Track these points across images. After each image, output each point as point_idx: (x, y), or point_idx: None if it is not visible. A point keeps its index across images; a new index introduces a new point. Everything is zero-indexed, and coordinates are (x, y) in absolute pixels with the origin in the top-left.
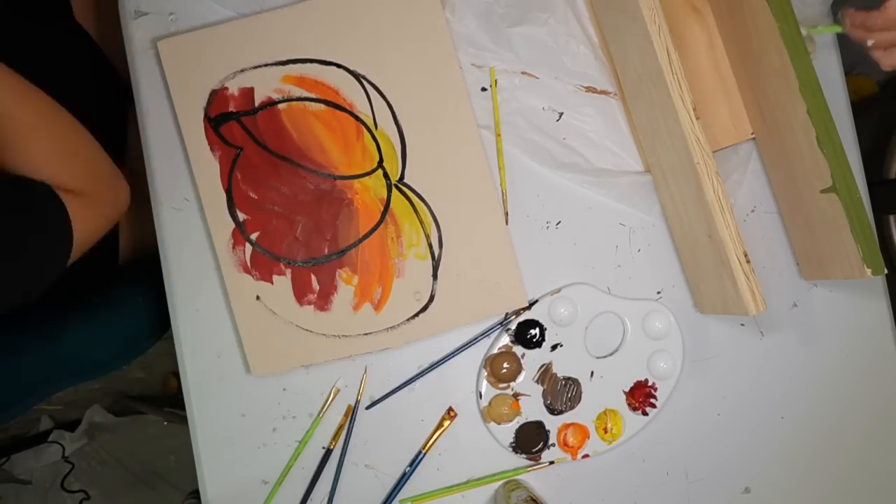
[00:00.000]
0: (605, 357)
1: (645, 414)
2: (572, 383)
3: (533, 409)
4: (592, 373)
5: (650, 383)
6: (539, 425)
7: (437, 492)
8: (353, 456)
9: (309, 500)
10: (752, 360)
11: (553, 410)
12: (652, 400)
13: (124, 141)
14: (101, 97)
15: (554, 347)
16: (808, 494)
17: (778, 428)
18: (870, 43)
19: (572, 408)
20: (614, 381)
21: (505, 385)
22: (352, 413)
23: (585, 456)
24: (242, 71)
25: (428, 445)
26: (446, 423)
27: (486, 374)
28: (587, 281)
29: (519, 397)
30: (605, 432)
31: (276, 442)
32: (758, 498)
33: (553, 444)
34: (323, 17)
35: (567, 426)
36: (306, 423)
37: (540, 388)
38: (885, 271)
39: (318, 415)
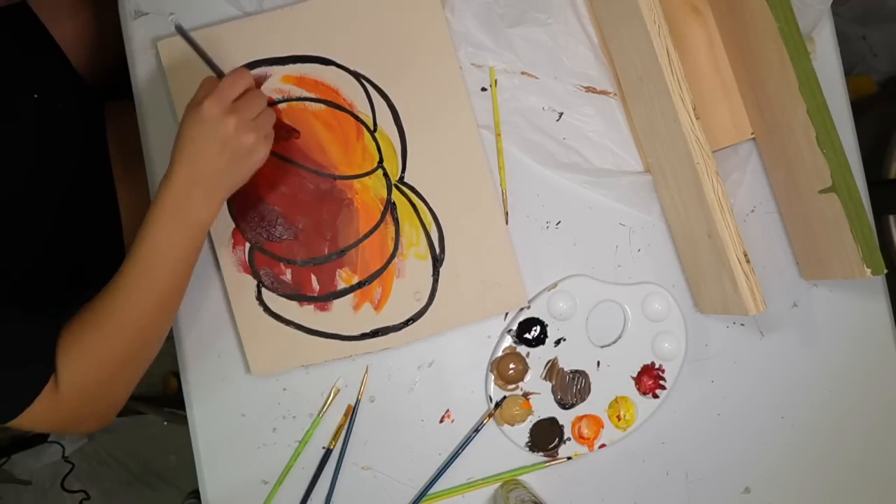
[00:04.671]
0: (609, 346)
1: (656, 397)
2: (580, 376)
3: (544, 406)
4: (598, 363)
5: (657, 366)
6: (553, 421)
7: (441, 493)
8: (352, 456)
9: (309, 500)
10: (752, 360)
11: (564, 405)
12: (661, 382)
13: (103, 140)
14: (77, 99)
15: (557, 342)
16: (809, 494)
17: (778, 428)
18: None
19: (583, 400)
20: (621, 368)
21: (514, 386)
22: (352, 413)
23: (602, 446)
24: None
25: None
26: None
27: (493, 377)
28: None
29: (529, 396)
30: (619, 420)
31: (276, 442)
32: (758, 498)
33: (569, 439)
34: (323, 16)
35: (580, 419)
36: (306, 423)
37: (549, 385)
38: (885, 271)
39: (318, 415)
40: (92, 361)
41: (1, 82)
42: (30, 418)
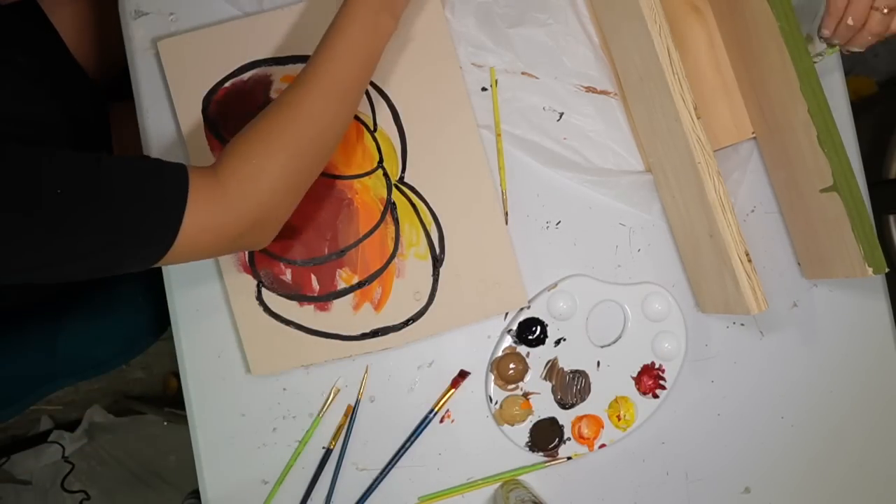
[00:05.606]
0: (609, 346)
1: (656, 397)
2: (580, 375)
3: (544, 406)
4: (598, 363)
5: (657, 365)
6: (553, 421)
7: (445, 492)
8: (352, 456)
9: (309, 500)
10: (753, 360)
11: (564, 405)
12: (661, 382)
13: (109, 141)
14: (77, 97)
15: (557, 342)
16: (809, 494)
17: (778, 428)
18: (850, 21)
19: (583, 400)
20: (621, 368)
21: (514, 386)
22: (352, 413)
23: (602, 446)
24: (243, 71)
25: (439, 405)
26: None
27: (493, 377)
28: None
29: (529, 396)
30: (619, 420)
31: (276, 442)
32: (758, 498)
33: (569, 439)
34: (323, 16)
35: (580, 419)
36: (306, 423)
37: (549, 385)
38: (887, 270)
39: (318, 415)
40: (262, 147)
41: (18, 83)
42: (196, 225)
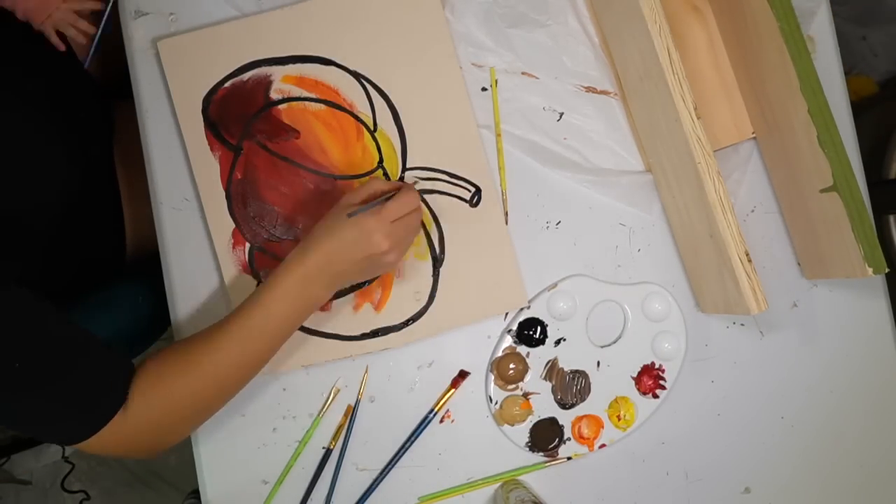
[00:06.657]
0: (609, 346)
1: (656, 397)
2: (580, 376)
3: (544, 406)
4: (598, 363)
5: (657, 366)
6: (553, 421)
7: (445, 492)
8: (352, 456)
9: (309, 500)
10: (752, 360)
11: (564, 405)
12: (661, 382)
13: (111, 139)
14: (79, 97)
15: (557, 342)
16: (808, 494)
17: (778, 428)
18: None
19: (583, 400)
20: (621, 368)
21: (514, 386)
22: (352, 413)
23: (602, 446)
24: (242, 71)
25: (439, 405)
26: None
27: (493, 377)
28: None
29: (529, 396)
30: (619, 420)
31: (276, 442)
32: (758, 498)
33: (569, 439)
34: (323, 17)
35: (580, 419)
36: (306, 423)
37: (549, 385)
38: (887, 270)
39: (318, 415)
40: (166, 401)
41: (33, 97)
42: (98, 443)
